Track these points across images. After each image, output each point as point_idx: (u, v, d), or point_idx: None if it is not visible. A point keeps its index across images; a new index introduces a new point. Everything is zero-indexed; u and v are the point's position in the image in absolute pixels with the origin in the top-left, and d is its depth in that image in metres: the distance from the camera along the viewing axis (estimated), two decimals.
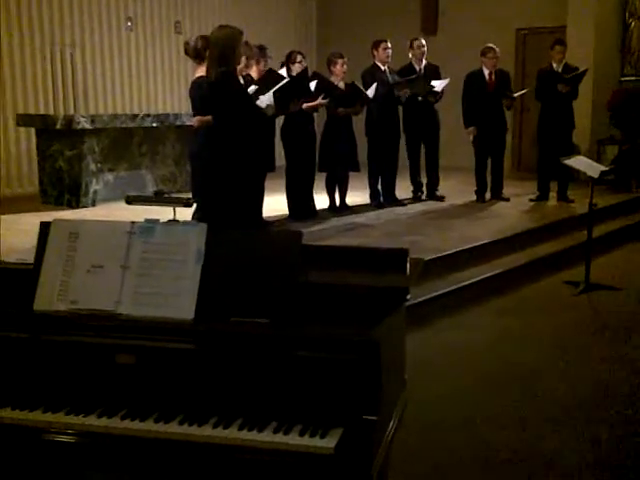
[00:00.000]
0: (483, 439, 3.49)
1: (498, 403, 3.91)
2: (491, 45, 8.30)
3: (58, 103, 9.58)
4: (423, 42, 8.25)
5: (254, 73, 6.53)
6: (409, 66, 8.25)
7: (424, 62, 8.27)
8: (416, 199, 8.53)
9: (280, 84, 6.14)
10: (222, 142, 4.85)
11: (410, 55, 8.29)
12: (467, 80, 8.35)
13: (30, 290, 2.15)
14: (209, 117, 5.19)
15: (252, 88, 6.03)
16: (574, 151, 8.12)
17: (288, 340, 1.95)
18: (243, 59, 5.94)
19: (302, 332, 1.98)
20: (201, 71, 5.73)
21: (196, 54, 5.85)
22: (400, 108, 8.09)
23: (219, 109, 4.91)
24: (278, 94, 6.10)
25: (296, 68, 6.95)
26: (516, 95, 8.19)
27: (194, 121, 5.67)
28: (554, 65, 8.22)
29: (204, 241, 2.13)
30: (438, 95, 8.13)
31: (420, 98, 8.02)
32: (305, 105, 6.90)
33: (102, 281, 2.13)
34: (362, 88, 7.46)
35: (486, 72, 8.24)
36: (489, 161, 8.43)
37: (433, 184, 8.58)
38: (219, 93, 4.84)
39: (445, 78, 8.11)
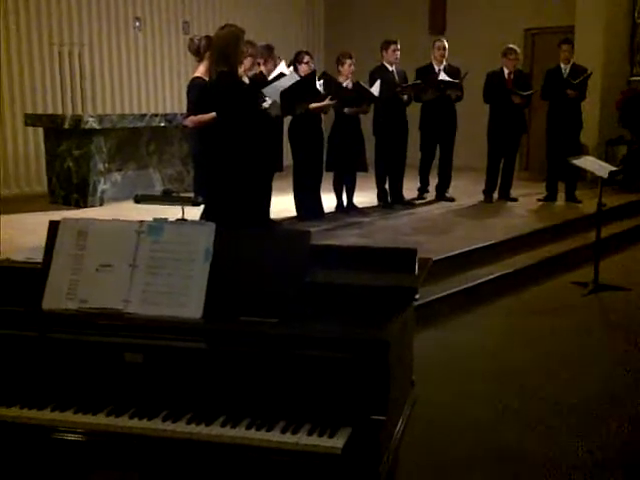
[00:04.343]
0: (492, 439, 3.48)
1: (506, 403, 3.90)
2: (512, 46, 8.30)
3: (66, 103, 9.60)
4: (445, 44, 8.22)
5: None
6: (429, 66, 8.24)
7: (444, 63, 8.24)
8: (421, 199, 8.51)
9: (288, 84, 6.13)
10: (224, 142, 4.85)
11: (432, 56, 8.27)
12: (487, 79, 8.35)
13: (39, 289, 2.16)
14: (202, 117, 5.20)
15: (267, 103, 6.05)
16: (582, 151, 8.09)
17: (296, 339, 1.95)
18: (249, 59, 5.94)
19: (310, 332, 1.97)
20: (199, 71, 5.71)
21: (196, 52, 5.83)
22: (407, 108, 8.06)
23: (220, 109, 4.91)
24: (286, 95, 6.09)
25: (303, 68, 6.94)
26: (525, 94, 8.14)
27: (187, 121, 5.56)
28: (562, 65, 8.19)
29: (212, 240, 2.13)
30: (458, 92, 8.10)
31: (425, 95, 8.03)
32: (312, 106, 6.90)
33: (111, 280, 2.14)
34: (367, 87, 7.45)
35: (506, 72, 8.24)
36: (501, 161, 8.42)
37: (444, 185, 8.55)
38: (219, 93, 4.84)
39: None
